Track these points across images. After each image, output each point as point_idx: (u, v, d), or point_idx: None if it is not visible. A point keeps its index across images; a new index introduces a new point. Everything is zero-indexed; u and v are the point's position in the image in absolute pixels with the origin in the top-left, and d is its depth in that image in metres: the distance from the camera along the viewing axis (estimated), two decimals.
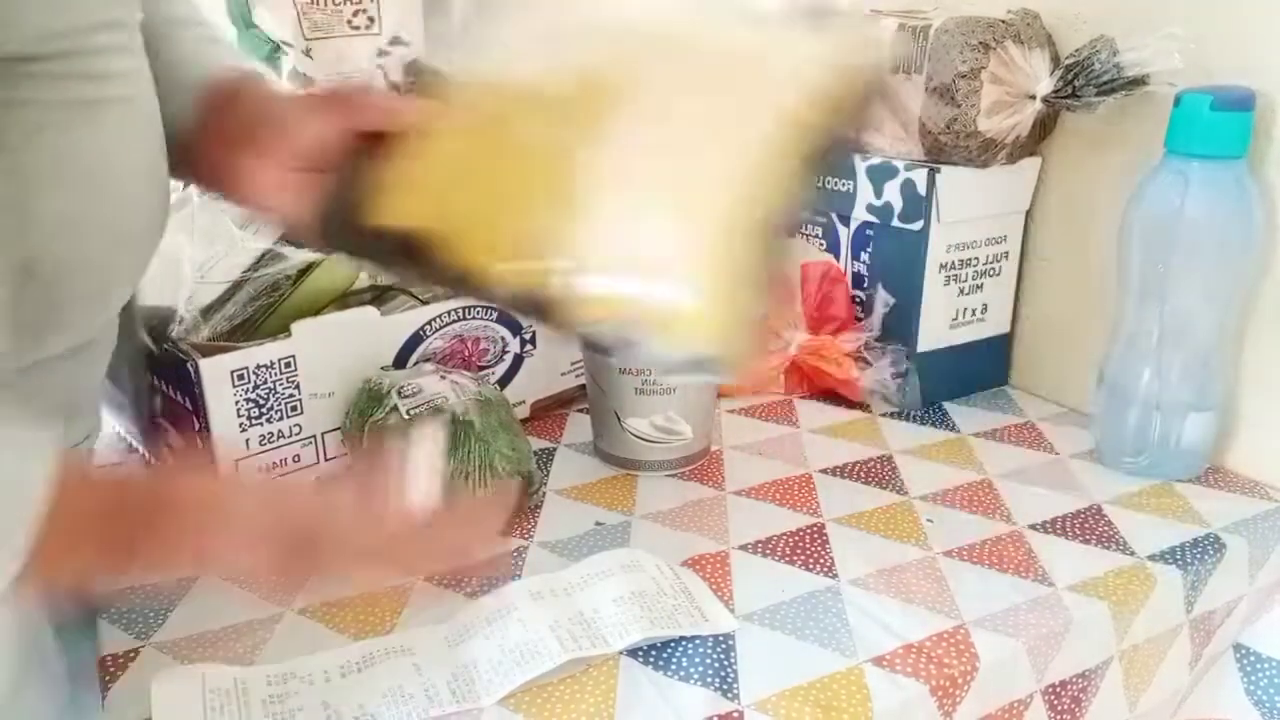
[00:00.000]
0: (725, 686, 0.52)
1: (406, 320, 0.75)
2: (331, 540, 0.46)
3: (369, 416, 0.67)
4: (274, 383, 0.67)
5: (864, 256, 0.90)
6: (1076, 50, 0.78)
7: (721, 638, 0.55)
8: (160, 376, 0.69)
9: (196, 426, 0.65)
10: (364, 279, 0.77)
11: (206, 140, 0.55)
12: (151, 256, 0.53)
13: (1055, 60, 0.81)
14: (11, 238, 0.42)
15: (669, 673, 0.53)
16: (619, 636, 0.54)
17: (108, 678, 0.53)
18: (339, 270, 0.75)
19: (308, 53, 1.64)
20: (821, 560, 0.63)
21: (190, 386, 0.65)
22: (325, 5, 1.65)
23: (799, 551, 0.65)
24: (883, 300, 0.82)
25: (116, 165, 0.46)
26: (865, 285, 0.90)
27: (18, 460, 0.39)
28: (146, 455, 0.76)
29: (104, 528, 0.41)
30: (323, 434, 0.70)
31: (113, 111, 0.46)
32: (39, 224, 0.43)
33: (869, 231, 0.89)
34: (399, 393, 0.67)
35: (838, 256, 0.93)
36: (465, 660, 0.54)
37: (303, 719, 0.49)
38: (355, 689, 0.52)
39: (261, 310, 0.72)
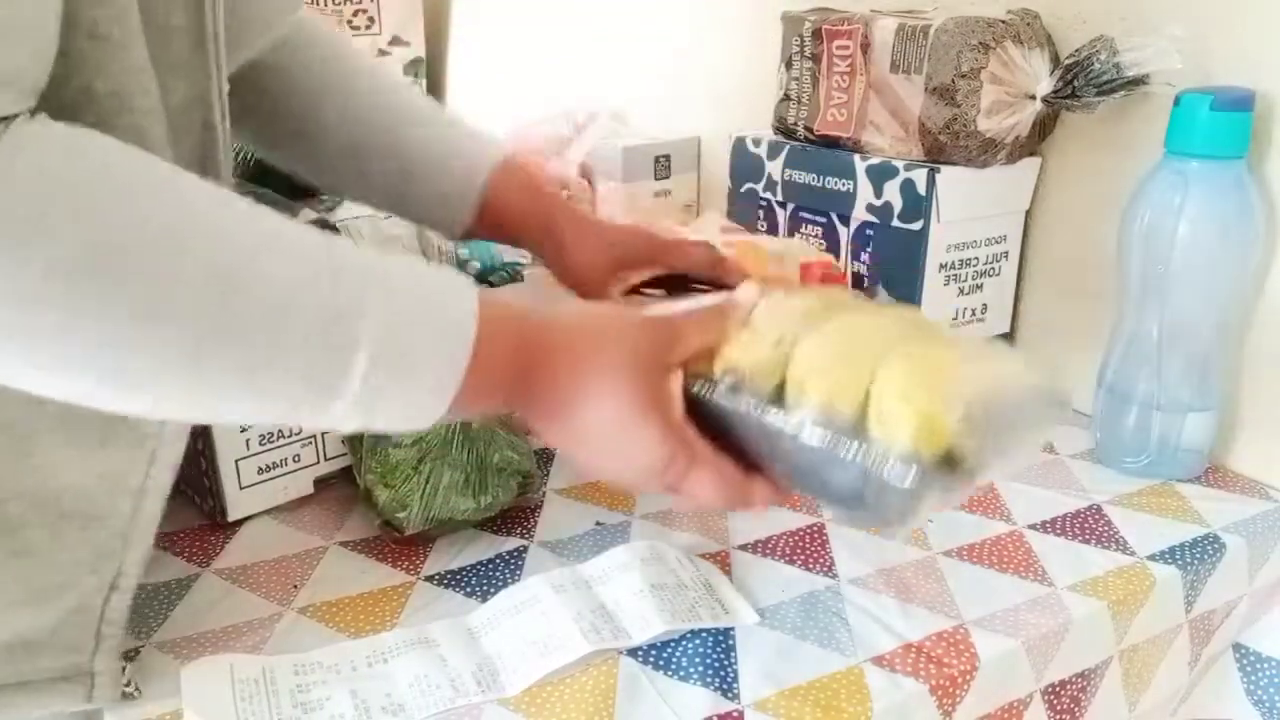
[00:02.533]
0: (725, 686, 0.52)
1: None
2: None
3: None
4: None
5: (864, 256, 0.90)
6: (1076, 50, 0.78)
7: (722, 637, 0.55)
8: None
9: (196, 426, 0.65)
10: None
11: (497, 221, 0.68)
12: None
13: (1055, 60, 0.81)
14: None
15: (669, 672, 0.53)
16: (641, 629, 0.55)
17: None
18: None
19: None
20: (821, 560, 0.63)
21: None
22: (325, 5, 1.65)
23: (799, 551, 0.65)
24: (883, 300, 0.82)
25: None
26: (865, 285, 0.90)
27: (457, 299, 0.41)
28: None
29: (510, 366, 0.43)
30: (323, 434, 0.70)
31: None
32: None
33: (869, 231, 0.89)
34: None
35: (838, 256, 0.93)
36: (490, 651, 0.54)
37: (330, 708, 0.50)
38: (382, 678, 0.52)
39: None
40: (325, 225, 0.77)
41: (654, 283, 0.67)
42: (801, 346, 0.45)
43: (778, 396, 0.44)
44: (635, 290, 0.67)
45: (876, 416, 0.42)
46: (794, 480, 0.47)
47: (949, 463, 0.40)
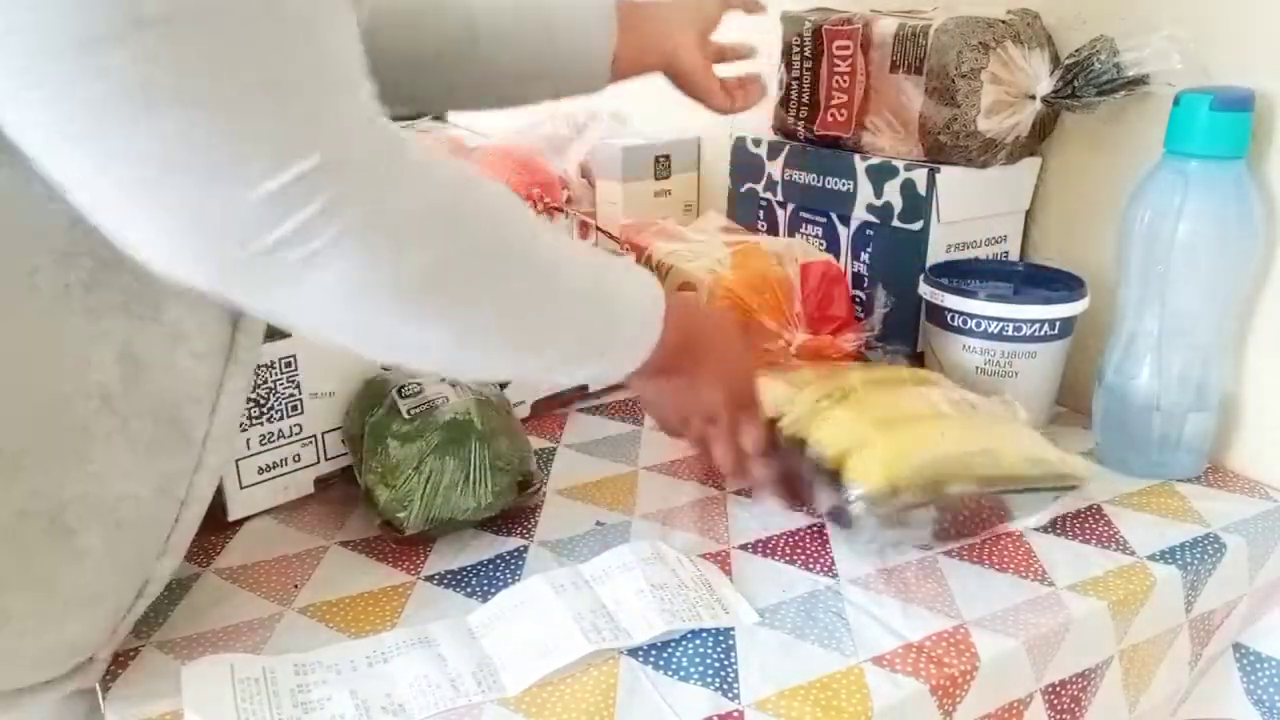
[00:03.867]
0: (725, 686, 0.52)
1: None
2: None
3: (369, 416, 0.67)
4: (274, 382, 0.67)
5: (864, 256, 0.90)
6: (1076, 50, 0.78)
7: (722, 637, 0.55)
8: None
9: None
10: None
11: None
12: None
13: (1055, 60, 0.81)
14: None
15: (669, 672, 0.53)
16: (641, 629, 0.55)
17: (108, 677, 0.53)
18: None
19: None
20: (821, 560, 0.63)
21: None
22: None
23: (799, 551, 0.65)
24: (882, 300, 0.82)
25: None
26: (865, 285, 0.90)
27: (646, 288, 0.57)
28: None
29: (676, 334, 0.57)
30: (323, 434, 0.70)
31: None
32: None
33: (869, 231, 0.89)
34: (399, 392, 0.67)
35: (838, 256, 0.93)
36: (490, 651, 0.54)
37: (331, 708, 0.50)
38: (382, 678, 0.52)
39: None
40: None
41: None
42: (833, 411, 0.67)
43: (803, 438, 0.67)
44: None
45: (853, 461, 0.62)
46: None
47: (892, 508, 0.61)
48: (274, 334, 0.69)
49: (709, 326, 0.64)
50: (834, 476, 0.63)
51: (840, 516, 0.64)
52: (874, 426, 0.64)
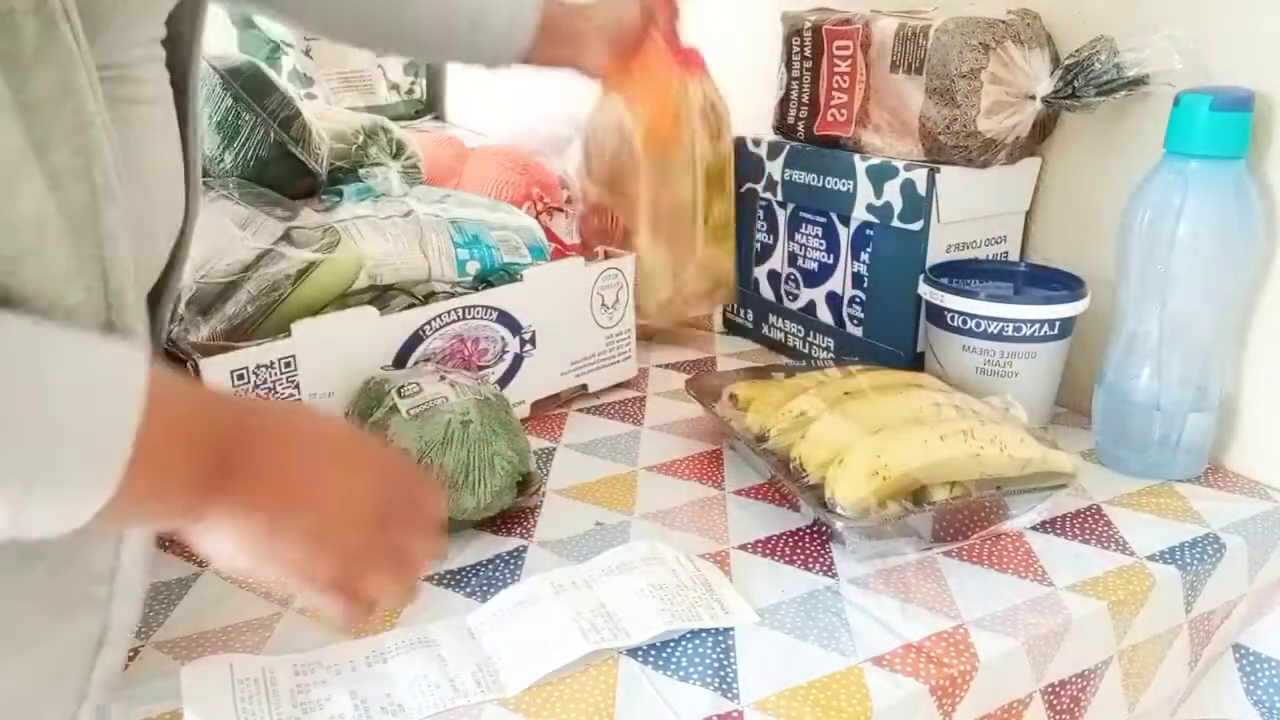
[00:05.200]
0: (725, 686, 0.52)
1: (406, 320, 0.75)
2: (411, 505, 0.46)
3: (369, 416, 0.67)
4: (274, 383, 0.67)
5: (864, 256, 0.90)
6: (1076, 50, 0.78)
7: (721, 637, 0.55)
8: None
9: None
10: (364, 278, 0.77)
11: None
12: (166, 255, 0.52)
13: (1055, 60, 0.81)
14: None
15: (669, 672, 0.53)
16: (641, 629, 0.55)
17: None
18: (339, 270, 0.75)
19: (307, 53, 1.64)
20: (821, 560, 0.63)
21: None
22: None
23: (799, 551, 0.65)
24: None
25: (144, 162, 0.46)
26: (865, 285, 0.90)
27: (116, 369, 0.37)
28: None
29: (194, 446, 0.39)
30: None
31: (141, 112, 0.46)
32: None
33: (869, 231, 0.89)
34: (399, 393, 0.67)
35: (837, 256, 0.93)
36: (489, 651, 0.54)
37: (330, 708, 0.50)
38: (381, 679, 0.52)
39: (261, 310, 0.72)
40: (325, 226, 0.77)
41: None
42: (814, 423, 0.68)
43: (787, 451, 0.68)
44: None
45: (832, 476, 0.63)
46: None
47: (875, 520, 0.61)
48: (274, 334, 0.69)
49: (286, 410, 0.47)
50: (817, 490, 0.64)
51: (827, 530, 0.64)
52: (856, 437, 0.65)
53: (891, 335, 0.88)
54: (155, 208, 0.48)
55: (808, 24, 0.93)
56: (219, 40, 1.43)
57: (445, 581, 0.61)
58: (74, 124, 0.37)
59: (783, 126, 0.98)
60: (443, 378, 0.69)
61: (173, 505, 0.40)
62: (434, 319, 0.76)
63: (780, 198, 0.98)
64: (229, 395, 0.43)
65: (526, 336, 0.82)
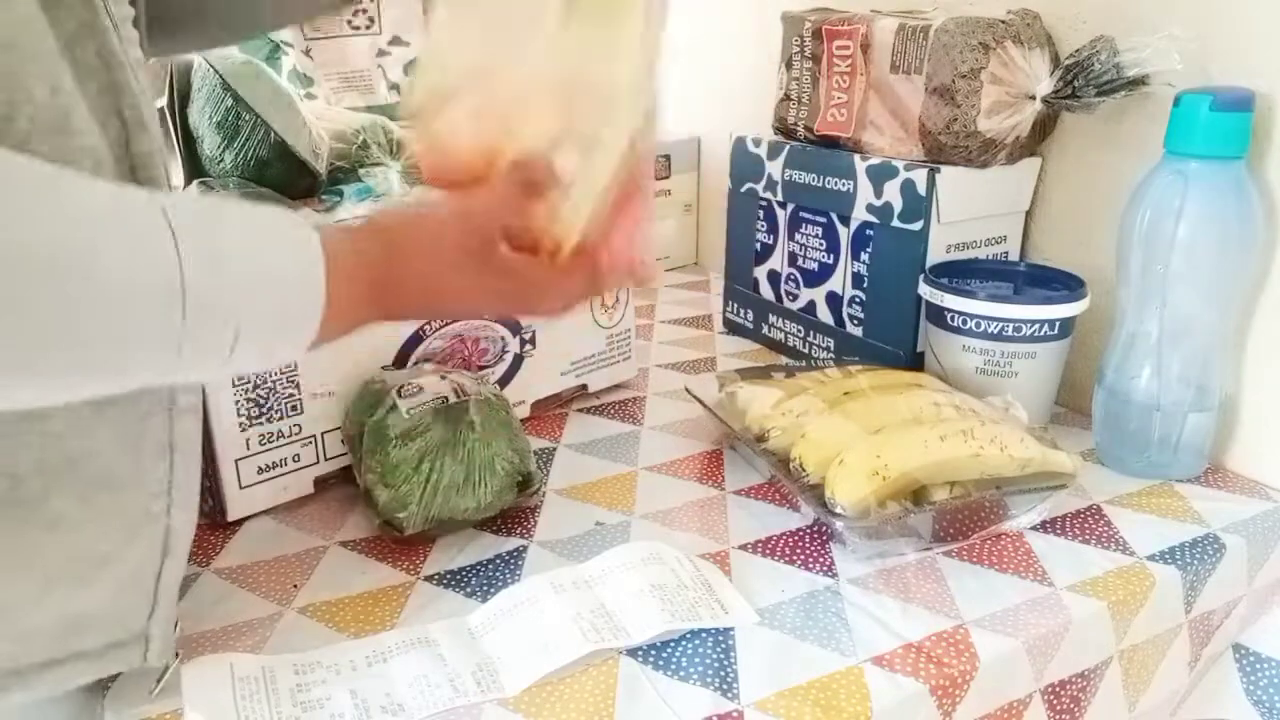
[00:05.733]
0: (725, 686, 0.52)
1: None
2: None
3: (369, 416, 0.67)
4: (274, 383, 0.67)
5: (864, 256, 0.90)
6: (1076, 50, 0.78)
7: (721, 637, 0.55)
8: None
9: None
10: None
11: None
12: None
13: (1055, 60, 0.81)
14: None
15: (669, 672, 0.53)
16: (640, 629, 0.55)
17: (109, 678, 0.53)
18: None
19: (308, 53, 1.65)
20: (821, 560, 0.63)
21: None
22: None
23: (799, 551, 0.65)
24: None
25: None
26: (865, 285, 0.90)
27: (300, 245, 0.43)
28: None
29: (357, 285, 0.45)
30: (323, 434, 0.70)
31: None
32: None
33: (869, 231, 0.89)
34: (399, 393, 0.67)
35: (837, 256, 0.93)
36: (489, 651, 0.54)
37: (330, 707, 0.50)
38: (381, 678, 0.52)
39: None
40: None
41: None
42: (813, 423, 0.68)
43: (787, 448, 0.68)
44: None
45: (832, 476, 0.63)
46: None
47: (874, 521, 0.62)
48: None
49: (416, 250, 0.50)
50: (817, 490, 0.64)
51: (827, 530, 0.64)
52: (856, 437, 0.65)
53: (891, 335, 0.88)
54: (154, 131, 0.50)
55: (808, 24, 0.93)
56: None
57: (445, 581, 0.61)
58: (98, 63, 0.43)
59: (783, 126, 0.99)
60: (443, 378, 0.69)
61: (347, 328, 0.46)
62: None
63: (780, 198, 0.98)
64: (366, 228, 0.49)
65: (526, 336, 0.82)
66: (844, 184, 0.90)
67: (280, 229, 0.43)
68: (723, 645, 0.55)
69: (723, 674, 0.53)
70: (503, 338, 0.80)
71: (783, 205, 0.98)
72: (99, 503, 0.46)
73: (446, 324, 0.77)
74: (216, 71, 0.86)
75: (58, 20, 0.41)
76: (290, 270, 0.42)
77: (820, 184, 0.93)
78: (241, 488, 0.67)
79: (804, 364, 0.89)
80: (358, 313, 0.46)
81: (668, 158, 1.27)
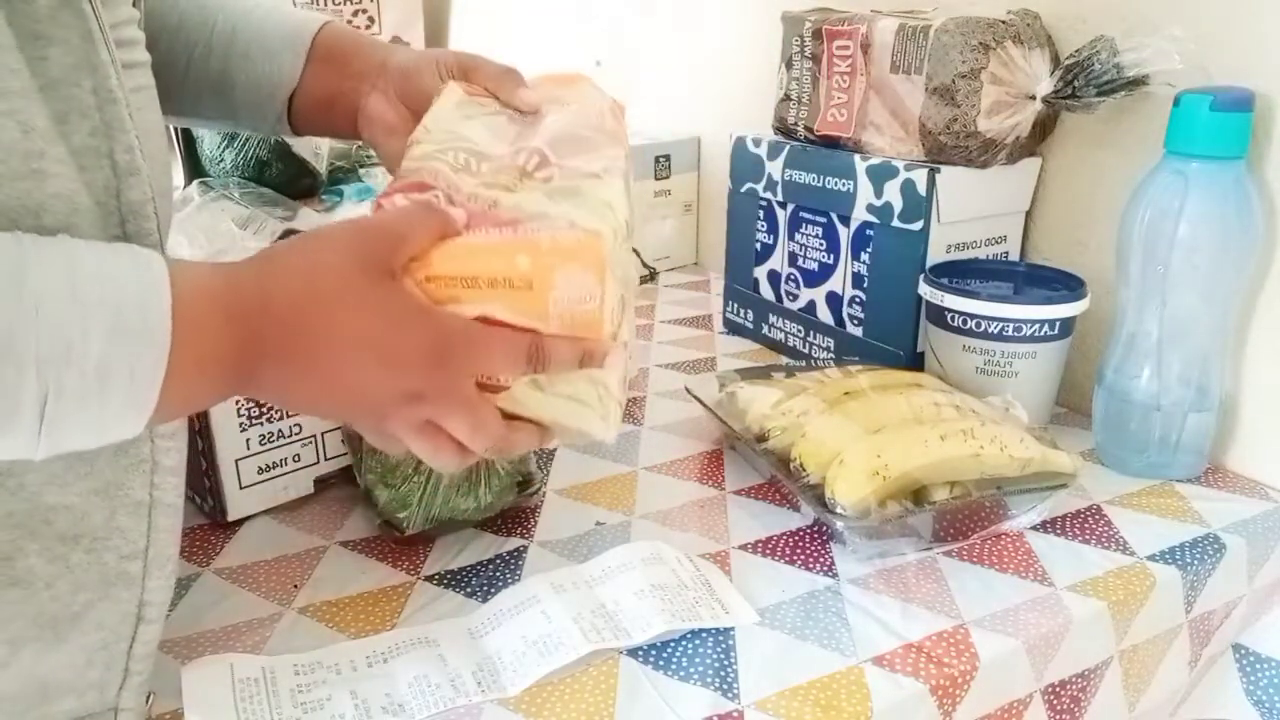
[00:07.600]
0: (725, 686, 0.52)
1: None
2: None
3: None
4: None
5: (864, 256, 0.90)
6: (1076, 50, 0.78)
7: (722, 637, 0.55)
8: None
9: (196, 425, 0.65)
10: None
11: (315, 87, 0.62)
12: (171, 213, 0.52)
13: (1055, 60, 0.81)
14: None
15: (669, 672, 0.53)
16: (641, 629, 0.55)
17: None
18: None
19: None
20: (821, 560, 0.63)
21: None
22: (325, 5, 1.65)
23: (799, 551, 0.65)
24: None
25: (143, 125, 0.45)
26: (865, 285, 0.90)
27: (141, 268, 0.38)
28: None
29: (223, 339, 0.40)
30: (322, 434, 0.70)
31: (137, 75, 0.46)
32: None
33: (869, 231, 0.89)
34: None
35: (838, 256, 0.93)
36: (489, 651, 0.54)
37: (331, 708, 0.50)
38: (382, 678, 0.52)
39: None
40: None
41: None
42: (813, 422, 0.68)
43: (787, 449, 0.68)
44: None
45: (832, 476, 0.63)
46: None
47: (875, 520, 0.62)
48: None
49: (300, 282, 0.43)
50: (817, 490, 0.64)
51: (827, 530, 0.64)
52: (856, 437, 0.65)
53: (891, 335, 0.88)
54: (156, 167, 0.47)
55: (808, 24, 0.93)
56: None
57: (445, 581, 0.61)
58: (92, 102, 0.40)
59: (783, 126, 0.99)
60: None
61: (217, 377, 0.40)
62: None
63: (780, 198, 0.98)
64: (245, 268, 0.43)
65: None
66: (844, 184, 0.90)
67: (119, 260, 0.38)
68: (723, 645, 0.55)
69: (723, 674, 0.53)
70: None
71: (783, 205, 0.98)
72: (69, 561, 0.43)
73: None
74: None
75: (47, 57, 0.38)
76: (129, 291, 0.37)
77: (820, 184, 0.93)
78: (242, 488, 0.67)
79: (804, 364, 0.89)
80: (212, 369, 0.40)
81: (668, 158, 1.27)
